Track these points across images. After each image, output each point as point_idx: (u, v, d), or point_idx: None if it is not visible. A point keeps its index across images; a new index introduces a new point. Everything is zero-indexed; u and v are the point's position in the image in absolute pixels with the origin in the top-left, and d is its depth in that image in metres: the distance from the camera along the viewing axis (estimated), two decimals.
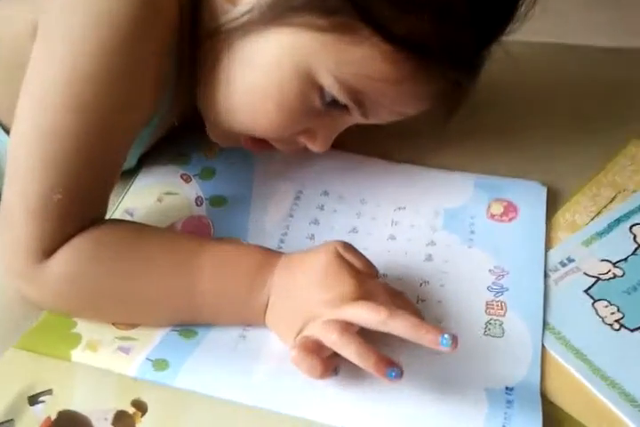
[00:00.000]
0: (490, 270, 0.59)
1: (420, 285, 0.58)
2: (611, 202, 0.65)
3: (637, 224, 0.62)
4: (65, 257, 0.50)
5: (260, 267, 0.52)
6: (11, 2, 0.58)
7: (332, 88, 0.52)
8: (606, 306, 0.57)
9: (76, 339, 0.53)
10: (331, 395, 0.49)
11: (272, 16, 0.50)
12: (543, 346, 0.54)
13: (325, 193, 0.66)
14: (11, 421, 0.47)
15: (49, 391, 0.49)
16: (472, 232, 0.62)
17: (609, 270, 0.59)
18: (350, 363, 0.48)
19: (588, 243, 0.61)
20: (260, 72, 0.53)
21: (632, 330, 0.55)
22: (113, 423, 0.48)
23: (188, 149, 0.69)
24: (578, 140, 0.71)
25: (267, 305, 0.52)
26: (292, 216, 0.64)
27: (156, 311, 0.52)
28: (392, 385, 0.48)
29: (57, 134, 0.49)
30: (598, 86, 0.77)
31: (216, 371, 0.51)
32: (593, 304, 0.57)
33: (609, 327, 0.55)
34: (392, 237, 0.62)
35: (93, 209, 0.53)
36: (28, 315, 0.54)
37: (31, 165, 0.49)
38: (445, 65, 0.51)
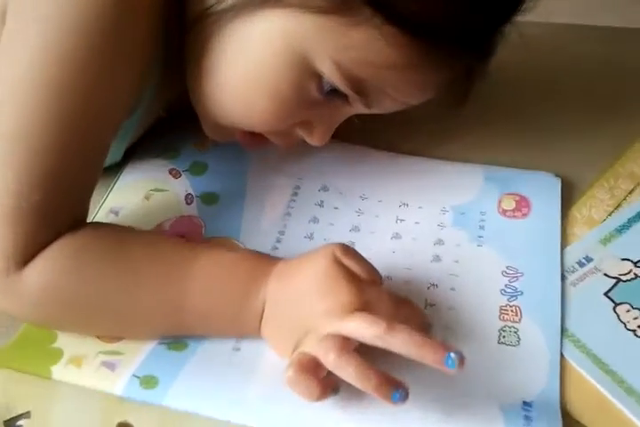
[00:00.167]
0: (503, 272, 0.55)
1: (428, 288, 0.54)
2: (629, 194, 0.61)
3: None
4: (42, 265, 0.46)
5: (254, 275, 0.48)
6: None
7: (332, 76, 0.47)
8: (628, 310, 0.53)
9: (57, 354, 0.49)
10: (330, 416, 0.46)
11: None
12: (562, 355, 0.50)
13: (325, 188, 0.61)
14: None
15: (27, 414, 0.45)
16: (482, 229, 0.58)
17: (630, 270, 0.55)
18: None
19: (606, 240, 0.57)
20: (252, 59, 0.48)
21: None
22: None
23: (178, 142, 0.64)
24: (593, 128, 0.67)
25: (262, 315, 0.48)
26: (289, 214, 0.59)
27: (142, 325, 0.49)
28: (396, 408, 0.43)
29: (26, 129, 0.44)
30: (615, 70, 0.72)
31: (209, 388, 0.47)
32: (614, 308, 0.53)
33: (631, 334, 0.51)
34: (397, 236, 0.58)
35: (72, 212, 0.48)
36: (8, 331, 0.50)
37: (0, 164, 0.44)
38: (456, 49, 0.47)
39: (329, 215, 0.59)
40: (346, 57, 0.46)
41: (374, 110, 0.52)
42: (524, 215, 0.59)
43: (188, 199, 0.60)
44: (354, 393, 0.45)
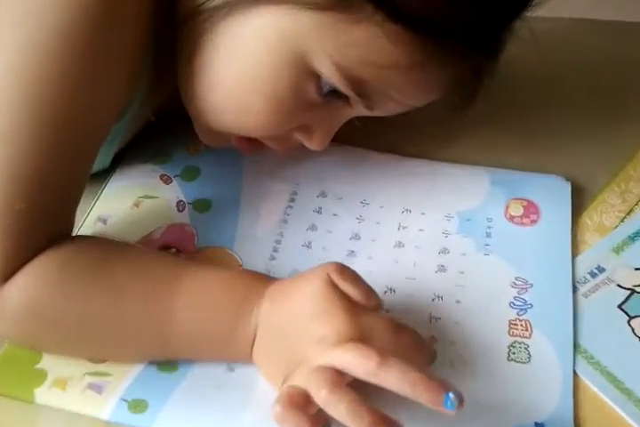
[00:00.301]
0: (511, 283, 0.52)
1: (433, 300, 0.51)
2: None
3: None
4: (24, 281, 0.43)
5: (246, 297, 0.45)
6: None
7: (332, 77, 0.45)
8: None
9: (41, 376, 0.46)
10: None
11: None
12: (575, 372, 0.48)
13: (323, 194, 0.59)
14: None
15: None
16: (489, 237, 0.55)
17: None
18: None
19: (619, 249, 0.55)
20: (247, 59, 0.45)
21: None
22: None
23: (169, 146, 0.61)
24: (604, 129, 0.64)
25: (253, 340, 0.45)
26: (286, 222, 0.56)
27: (126, 348, 0.46)
28: None
29: (6, 136, 0.42)
30: (630, 68, 0.69)
31: (201, 413, 0.44)
32: (629, 322, 0.50)
33: None
34: (399, 244, 0.55)
35: (56, 224, 0.46)
36: None
37: None
38: (463, 47, 0.44)
39: (328, 222, 0.57)
40: (346, 56, 0.43)
41: (376, 113, 0.49)
42: (533, 222, 0.56)
43: (180, 206, 0.57)
44: None
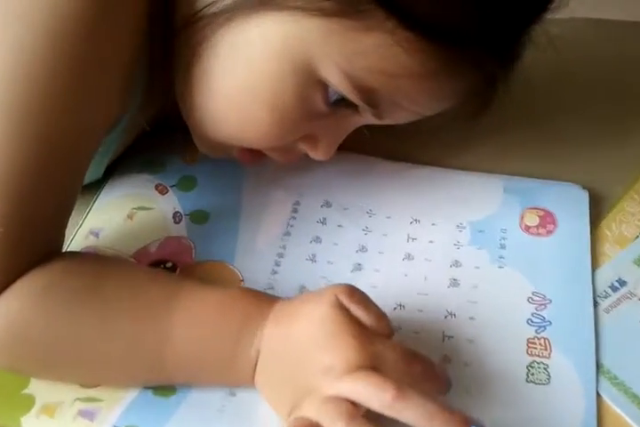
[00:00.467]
0: (529, 298, 0.49)
1: (445, 317, 0.49)
2: None
3: None
4: (7, 305, 0.40)
5: (248, 318, 0.42)
6: None
7: (340, 86, 0.42)
8: None
9: (29, 402, 0.43)
10: None
11: None
12: (598, 394, 0.45)
13: (327, 204, 0.56)
14: None
15: None
16: (503, 249, 0.52)
17: None
18: None
19: None
20: (248, 69, 0.43)
21: None
22: None
23: (164, 155, 0.58)
24: (621, 134, 0.61)
25: (256, 364, 0.42)
26: (288, 234, 0.53)
27: (118, 375, 0.43)
28: None
29: None
30: None
31: None
32: None
33: None
34: (408, 257, 0.52)
35: (45, 241, 0.43)
36: None
37: None
38: (479, 55, 0.41)
39: (332, 234, 0.54)
40: (355, 65, 0.41)
41: (386, 121, 0.47)
42: (550, 233, 0.53)
43: (176, 218, 0.54)
44: None
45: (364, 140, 0.54)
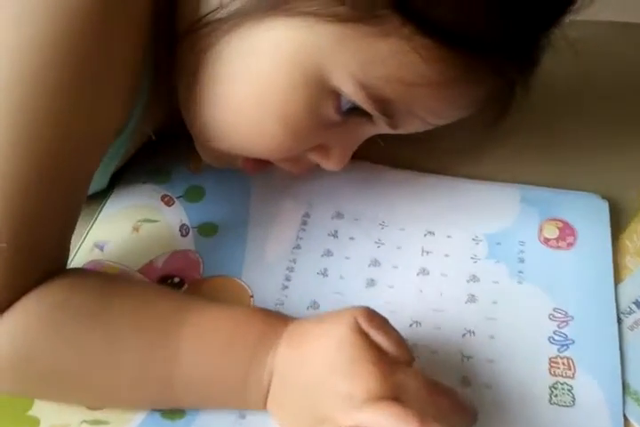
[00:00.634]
0: (550, 315, 0.47)
1: (464, 335, 0.47)
2: None
3: None
4: (13, 321, 0.38)
5: (261, 337, 0.40)
6: None
7: (354, 95, 0.40)
8: None
9: (34, 424, 0.42)
10: None
11: (271, 2, 0.39)
12: (625, 417, 0.43)
13: (339, 215, 0.54)
14: None
15: None
16: (522, 262, 0.50)
17: None
18: None
19: None
20: (257, 78, 0.41)
21: None
22: None
23: (170, 164, 0.56)
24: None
25: (268, 388, 0.40)
26: (298, 247, 0.52)
27: (126, 396, 0.41)
28: None
29: None
30: None
31: None
32: None
33: None
34: (423, 271, 0.50)
35: (50, 256, 0.41)
36: None
37: None
38: (499, 61, 0.40)
39: (344, 247, 0.52)
40: (370, 73, 0.39)
41: (400, 131, 0.45)
42: (570, 245, 0.51)
43: (183, 231, 0.52)
44: None
45: (373, 148, 0.52)
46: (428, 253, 0.52)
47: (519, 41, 0.40)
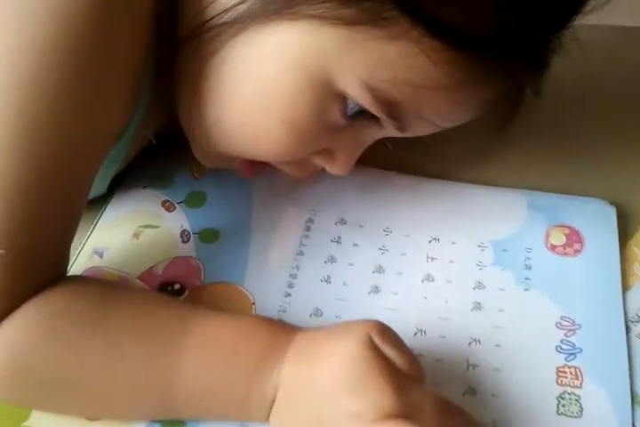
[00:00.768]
0: (557, 323, 0.47)
1: (470, 344, 0.46)
2: None
3: None
4: (12, 329, 0.37)
5: (267, 348, 0.39)
6: None
7: (361, 99, 0.40)
8: None
9: None
10: None
11: (276, 5, 0.38)
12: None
13: (342, 221, 0.53)
14: None
15: None
16: (529, 269, 0.50)
17: None
18: None
19: None
20: (262, 82, 0.40)
21: None
22: None
23: (171, 169, 0.56)
24: None
25: (272, 402, 0.39)
26: (302, 253, 0.51)
27: (126, 407, 0.40)
28: None
29: None
30: None
31: None
32: None
33: None
34: (428, 278, 0.50)
35: (50, 261, 0.40)
36: None
37: None
38: (510, 63, 0.39)
39: (348, 254, 0.51)
40: (378, 76, 0.38)
41: (407, 134, 0.44)
42: (577, 252, 0.51)
43: (184, 237, 0.51)
44: None
45: (376, 153, 0.51)
46: (432, 259, 0.51)
47: (529, 42, 0.39)
